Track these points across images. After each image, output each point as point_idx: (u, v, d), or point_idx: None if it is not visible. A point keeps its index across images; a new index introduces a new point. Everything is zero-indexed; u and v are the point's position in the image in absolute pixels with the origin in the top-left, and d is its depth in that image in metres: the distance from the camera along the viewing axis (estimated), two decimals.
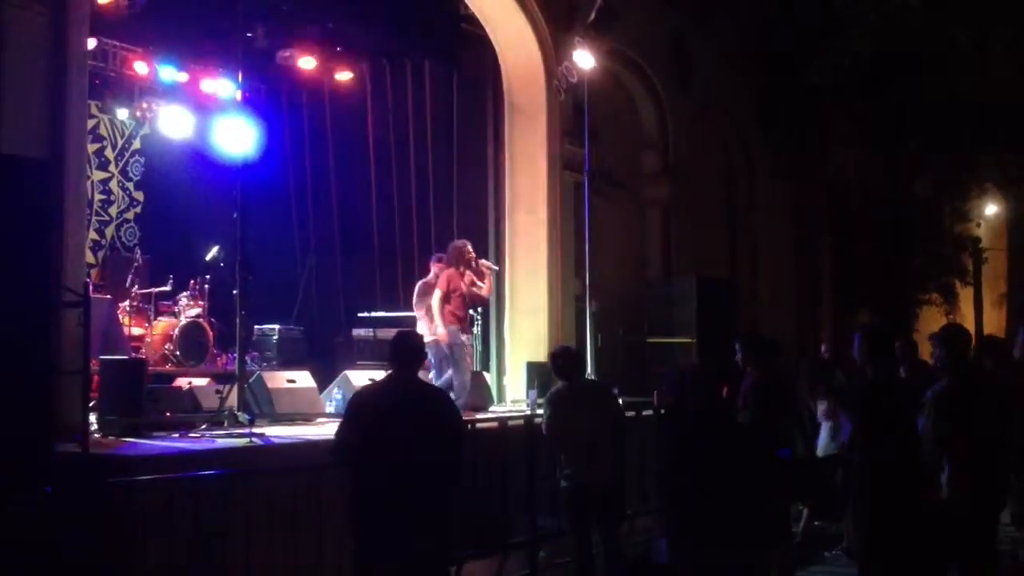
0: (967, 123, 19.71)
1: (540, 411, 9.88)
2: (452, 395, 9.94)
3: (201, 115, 14.01)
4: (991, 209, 24.71)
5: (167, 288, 12.72)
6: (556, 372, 7.37)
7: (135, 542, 6.13)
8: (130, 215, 14.37)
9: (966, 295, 23.57)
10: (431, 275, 11.21)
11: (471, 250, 10.78)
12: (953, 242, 23.03)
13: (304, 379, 10.02)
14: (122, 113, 13.86)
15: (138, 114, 13.95)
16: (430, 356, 10.57)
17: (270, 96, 14.62)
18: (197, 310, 12.63)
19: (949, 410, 5.98)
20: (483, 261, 10.99)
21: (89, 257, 12.33)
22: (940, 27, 17.96)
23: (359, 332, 13.48)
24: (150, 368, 10.35)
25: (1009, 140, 21.04)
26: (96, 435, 7.52)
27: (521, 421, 8.82)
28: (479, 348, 13.02)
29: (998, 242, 25.11)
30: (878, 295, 21.05)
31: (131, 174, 14.51)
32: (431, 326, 10.60)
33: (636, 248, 16.17)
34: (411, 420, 5.52)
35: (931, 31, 17.98)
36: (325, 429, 9.10)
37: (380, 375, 11.11)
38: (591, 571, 7.18)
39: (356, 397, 5.94)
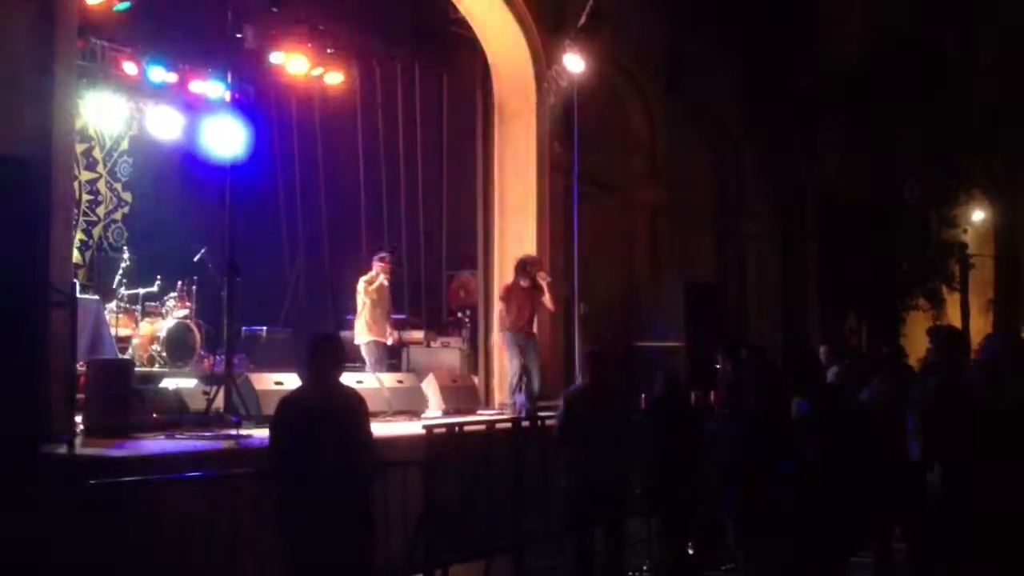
0: (955, 129, 19.81)
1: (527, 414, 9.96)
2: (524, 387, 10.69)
3: (190, 116, 13.96)
4: (978, 215, 24.82)
5: (154, 289, 12.67)
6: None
7: (121, 543, 6.11)
8: (118, 215, 14.31)
9: (953, 301, 23.66)
10: (372, 272, 11.60)
11: (534, 263, 11.20)
12: (940, 248, 23.12)
13: (292, 381, 9.98)
14: (110, 113, 13.81)
15: (127, 114, 13.91)
16: (366, 356, 11.35)
17: (259, 97, 14.59)
18: (184, 311, 12.58)
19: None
20: (540, 273, 11.21)
21: (76, 257, 12.27)
22: (928, 33, 18.07)
23: (347, 334, 13.46)
24: (137, 369, 10.33)
25: (996, 146, 21.16)
26: (82, 436, 7.50)
27: (508, 424, 8.82)
28: (467, 351, 13.04)
29: (985, 248, 25.20)
30: (865, 300, 21.13)
31: (119, 174, 14.45)
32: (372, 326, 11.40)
33: (624, 251, 16.18)
34: (338, 425, 5.56)
35: (919, 36, 18.08)
36: None
37: (368, 377, 11.20)
38: (590, 572, 7.20)
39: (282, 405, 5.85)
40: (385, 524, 7.10)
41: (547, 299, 11.11)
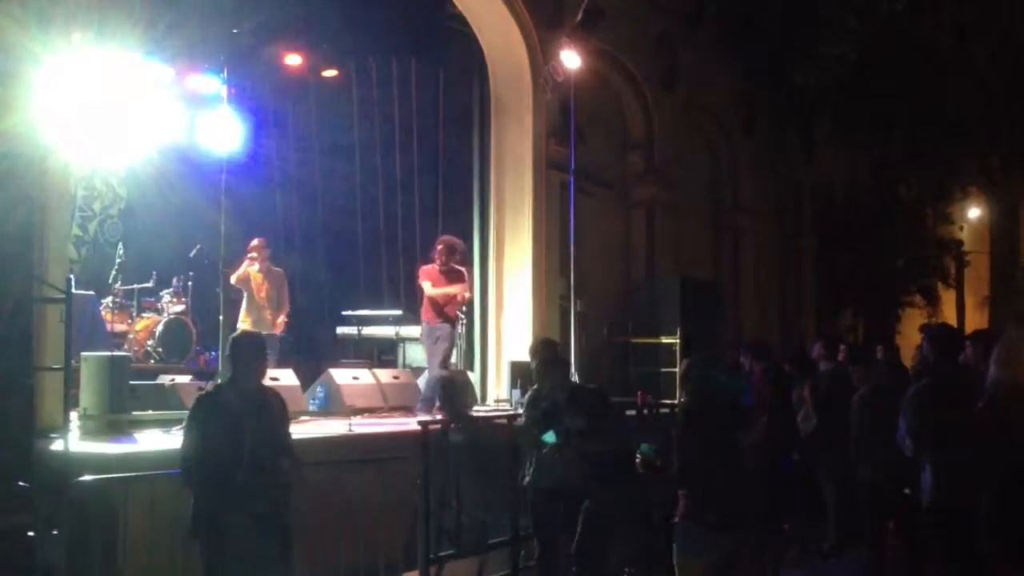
0: (951, 126, 19.82)
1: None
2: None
3: (186, 110, 13.92)
4: (974, 212, 24.88)
5: (150, 284, 12.66)
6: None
7: (116, 539, 6.10)
8: (113, 211, 14.26)
9: (949, 298, 23.70)
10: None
11: (442, 249, 10.69)
12: (936, 245, 23.15)
13: (287, 377, 9.99)
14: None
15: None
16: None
17: (255, 93, 14.54)
18: (180, 307, 12.57)
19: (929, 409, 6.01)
20: (443, 255, 10.78)
21: (71, 253, 12.24)
22: (925, 30, 18.06)
23: (343, 330, 13.46)
24: (132, 365, 10.30)
25: (992, 144, 21.18)
26: (77, 432, 7.48)
27: (505, 420, 8.80)
28: (463, 347, 13.02)
29: (981, 245, 25.25)
30: (861, 297, 21.14)
31: (115, 169, 14.42)
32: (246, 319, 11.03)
33: (621, 248, 16.19)
34: (257, 426, 5.37)
35: (916, 34, 18.08)
36: (307, 428, 9.10)
37: (364, 373, 11.18)
38: (557, 572, 7.18)
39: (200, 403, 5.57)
40: (381, 520, 7.11)
41: (459, 287, 10.75)
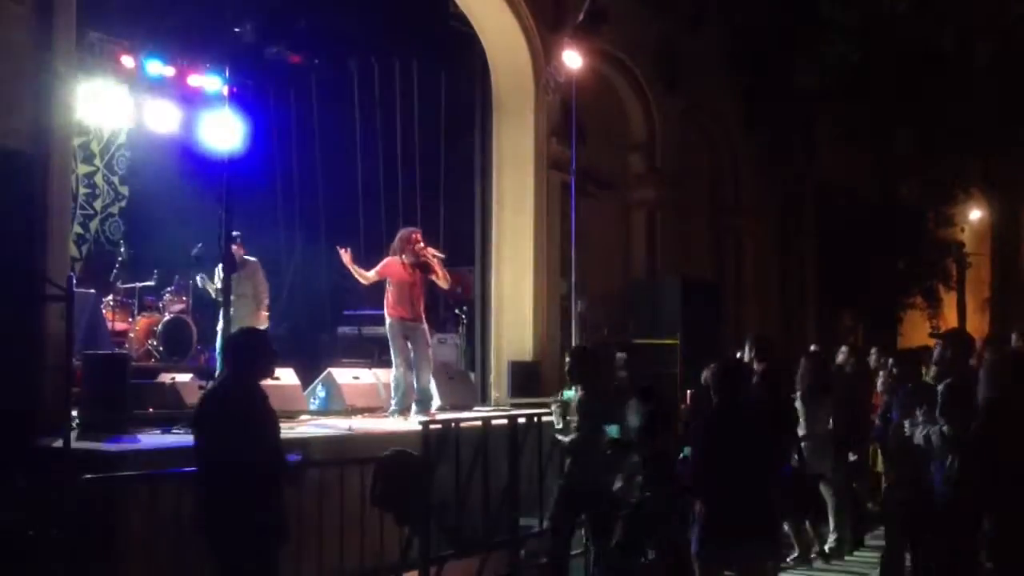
0: (953, 127, 19.82)
1: (524, 411, 9.93)
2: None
3: (188, 109, 13.94)
4: (975, 214, 24.85)
5: (151, 283, 12.67)
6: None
7: (116, 538, 6.11)
8: (115, 209, 14.30)
9: (950, 300, 23.68)
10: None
11: (418, 238, 10.33)
12: (937, 247, 23.13)
13: (288, 376, 10.00)
14: (108, 106, 13.78)
15: (124, 108, 13.87)
16: None
17: (257, 91, 14.53)
18: (181, 306, 12.58)
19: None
20: (429, 249, 10.39)
21: (73, 251, 12.26)
22: (927, 32, 18.08)
23: (344, 330, 13.45)
24: (133, 363, 10.32)
25: (994, 145, 21.18)
26: (78, 430, 7.49)
27: (505, 421, 8.80)
28: (463, 347, 13.03)
29: (982, 247, 25.23)
30: (862, 298, 21.13)
31: (116, 168, 14.44)
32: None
33: (622, 248, 16.20)
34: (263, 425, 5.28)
35: (918, 36, 18.09)
36: (307, 427, 9.11)
37: (364, 372, 11.19)
38: (566, 569, 7.21)
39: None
40: (380, 520, 7.12)
41: (436, 277, 10.25)
